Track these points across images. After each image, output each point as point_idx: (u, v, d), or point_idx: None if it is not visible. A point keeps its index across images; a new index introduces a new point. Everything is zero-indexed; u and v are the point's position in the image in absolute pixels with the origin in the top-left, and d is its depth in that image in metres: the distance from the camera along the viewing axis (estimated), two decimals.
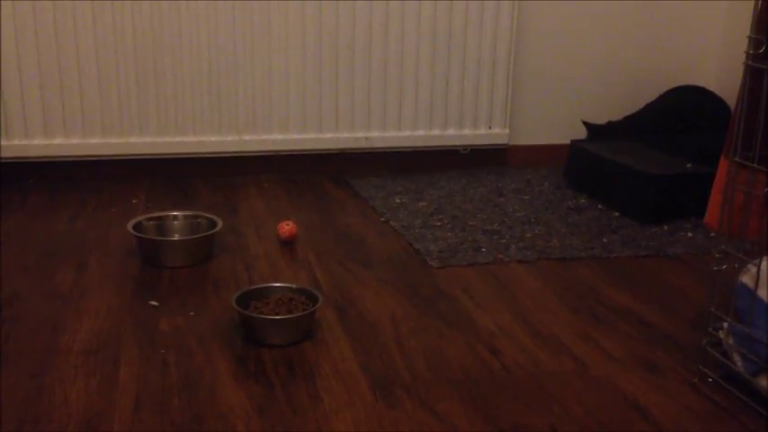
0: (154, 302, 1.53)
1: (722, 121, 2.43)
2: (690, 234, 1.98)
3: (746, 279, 1.27)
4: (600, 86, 2.56)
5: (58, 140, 2.24)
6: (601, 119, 2.59)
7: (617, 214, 2.11)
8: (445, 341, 1.41)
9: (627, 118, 2.49)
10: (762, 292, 1.23)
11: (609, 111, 2.61)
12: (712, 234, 1.91)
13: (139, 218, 1.80)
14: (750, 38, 1.22)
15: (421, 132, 2.48)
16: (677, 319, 1.52)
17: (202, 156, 2.36)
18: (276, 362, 1.32)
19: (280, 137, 2.38)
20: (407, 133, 2.47)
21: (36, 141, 2.23)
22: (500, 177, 2.45)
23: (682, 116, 2.44)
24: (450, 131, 2.49)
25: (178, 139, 2.32)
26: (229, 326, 1.44)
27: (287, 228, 1.86)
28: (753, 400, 1.23)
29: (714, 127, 2.41)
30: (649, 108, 2.51)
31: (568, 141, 2.44)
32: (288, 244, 1.86)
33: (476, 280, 1.68)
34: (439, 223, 2.01)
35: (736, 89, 1.31)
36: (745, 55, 1.23)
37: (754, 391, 1.24)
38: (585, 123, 2.48)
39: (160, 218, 1.82)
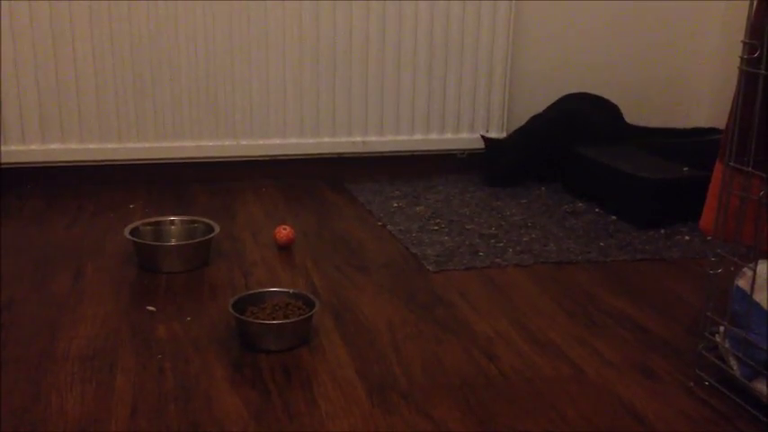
0: (151, 308, 1.53)
1: (611, 126, 2.45)
2: (687, 238, 1.98)
3: (742, 283, 1.27)
4: (596, 90, 2.56)
5: (55, 146, 2.25)
6: None
7: (614, 218, 2.12)
8: (442, 346, 1.41)
9: (518, 131, 2.44)
10: (758, 296, 1.23)
11: None
12: (708, 238, 1.91)
13: (137, 223, 1.80)
14: (744, 43, 1.22)
15: (418, 136, 2.48)
16: (674, 324, 1.53)
17: (200, 161, 2.36)
18: (273, 367, 1.32)
19: (277, 141, 2.39)
20: (404, 137, 2.47)
21: (33, 147, 2.24)
22: None
23: (570, 125, 2.41)
24: (448, 135, 2.50)
25: (175, 144, 2.32)
26: (226, 331, 1.44)
27: (284, 233, 1.86)
28: (749, 405, 1.23)
29: (603, 132, 2.42)
30: (537, 119, 2.46)
31: None
32: (285, 249, 1.86)
33: (473, 284, 1.68)
34: (436, 227, 2.02)
35: (731, 93, 1.31)
36: (739, 60, 1.23)
37: (750, 395, 1.24)
38: (484, 137, 2.44)
39: (157, 223, 1.82)
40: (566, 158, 2.35)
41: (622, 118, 2.51)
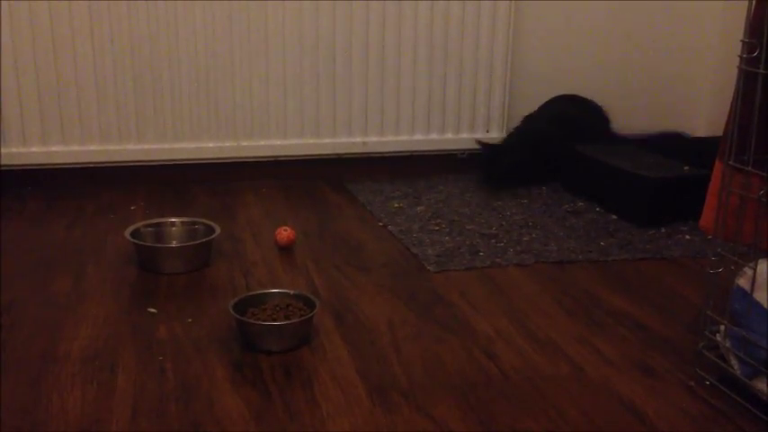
0: (152, 309, 1.54)
1: (600, 127, 2.47)
2: (687, 237, 1.99)
3: (742, 282, 1.27)
4: (597, 89, 2.56)
5: (55, 148, 2.25)
6: None
7: (614, 217, 2.12)
8: (442, 346, 1.41)
9: (513, 134, 2.44)
10: (758, 295, 1.23)
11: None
12: (709, 237, 1.91)
13: (137, 224, 1.80)
14: (743, 42, 1.22)
15: (418, 136, 2.48)
16: (674, 322, 1.53)
17: (200, 162, 2.36)
18: (273, 368, 1.32)
19: (277, 142, 2.39)
20: (405, 137, 2.47)
21: (34, 149, 2.24)
22: None
23: (564, 125, 2.40)
24: (448, 135, 2.50)
25: (176, 145, 2.32)
26: (227, 332, 1.44)
27: (285, 233, 1.86)
28: (749, 403, 1.23)
29: (593, 132, 2.43)
30: (531, 120, 2.47)
31: None
32: (285, 250, 1.86)
33: (473, 284, 1.68)
34: (436, 227, 2.02)
35: (731, 93, 1.31)
36: (738, 59, 1.23)
37: (750, 393, 1.24)
38: (479, 142, 2.43)
39: (158, 224, 1.83)
40: (565, 158, 2.35)
41: (608, 122, 2.51)
